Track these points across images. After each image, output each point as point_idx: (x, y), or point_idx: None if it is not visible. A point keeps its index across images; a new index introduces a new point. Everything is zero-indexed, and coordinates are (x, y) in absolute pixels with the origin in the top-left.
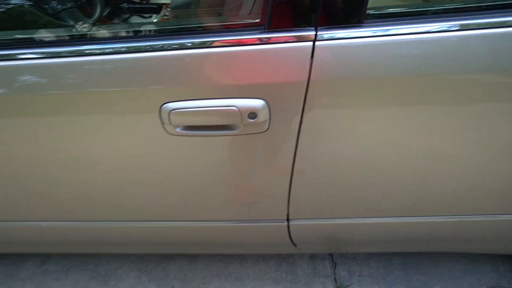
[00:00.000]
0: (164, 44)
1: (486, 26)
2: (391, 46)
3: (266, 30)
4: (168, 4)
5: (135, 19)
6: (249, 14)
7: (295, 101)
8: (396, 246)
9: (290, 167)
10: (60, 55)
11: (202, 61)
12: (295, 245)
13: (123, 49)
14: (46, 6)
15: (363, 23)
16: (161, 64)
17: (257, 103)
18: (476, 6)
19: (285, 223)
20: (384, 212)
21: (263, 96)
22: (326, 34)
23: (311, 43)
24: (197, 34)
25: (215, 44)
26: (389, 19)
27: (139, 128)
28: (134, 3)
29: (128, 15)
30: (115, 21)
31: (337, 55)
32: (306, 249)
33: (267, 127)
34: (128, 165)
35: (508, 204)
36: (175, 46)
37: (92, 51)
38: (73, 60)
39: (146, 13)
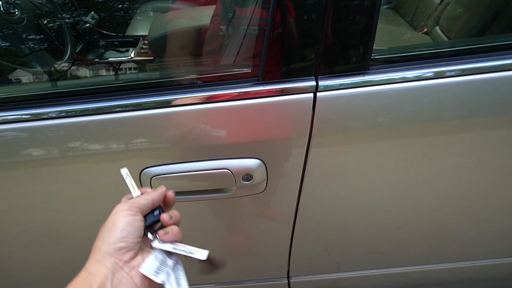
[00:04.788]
0: (141, 103)
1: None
2: (399, 93)
3: (260, 82)
4: (145, 36)
5: (111, 54)
6: (239, 63)
7: (295, 158)
8: None
9: (291, 226)
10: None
11: (187, 119)
12: None
13: (90, 110)
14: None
15: (368, 69)
16: (139, 124)
17: (252, 163)
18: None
19: (286, 281)
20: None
21: (259, 155)
22: (328, 83)
23: (311, 94)
24: (178, 89)
25: (200, 99)
26: (396, 63)
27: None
28: (108, 37)
29: (102, 50)
30: (89, 58)
31: (341, 105)
32: None
33: (264, 187)
34: None
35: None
36: (152, 104)
37: (57, 114)
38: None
39: (122, 47)
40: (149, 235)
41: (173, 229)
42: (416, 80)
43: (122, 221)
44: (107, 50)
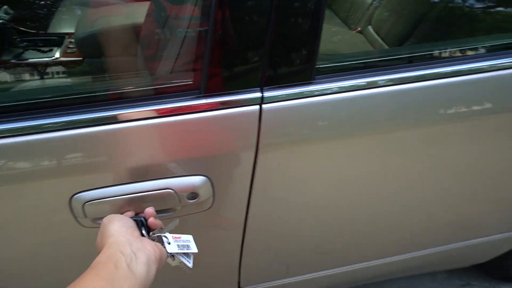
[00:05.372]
0: (68, 121)
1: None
2: (344, 103)
3: (202, 95)
4: (72, 33)
5: (31, 54)
6: (179, 73)
7: (242, 171)
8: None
9: (240, 238)
10: None
11: (122, 137)
12: None
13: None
14: None
15: (314, 79)
16: (66, 145)
17: (197, 180)
18: None
19: None
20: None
21: (204, 172)
22: (273, 94)
23: (257, 106)
24: (111, 104)
25: (138, 115)
26: (342, 73)
27: (49, 224)
28: (28, 34)
29: (21, 50)
30: (4, 58)
31: (287, 116)
32: None
33: (210, 204)
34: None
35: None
36: (83, 121)
37: None
38: None
39: (44, 46)
40: (143, 231)
41: (157, 221)
42: (352, 90)
43: (115, 217)
44: (27, 50)
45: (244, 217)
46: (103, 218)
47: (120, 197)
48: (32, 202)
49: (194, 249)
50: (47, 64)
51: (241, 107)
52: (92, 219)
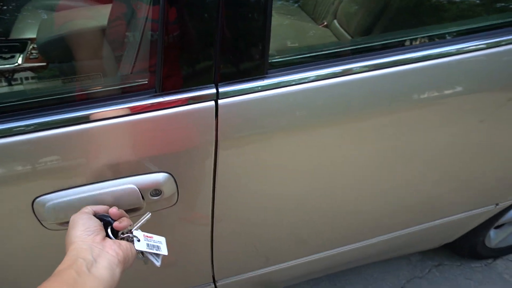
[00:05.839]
0: (28, 125)
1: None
2: (298, 95)
3: (158, 93)
4: (34, 39)
5: None
6: (132, 73)
7: (204, 165)
8: (326, 272)
9: (209, 231)
10: None
11: (82, 138)
12: None
13: None
14: None
15: (266, 74)
16: (24, 149)
17: (159, 177)
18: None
19: (212, 286)
20: (312, 250)
21: (166, 168)
22: (228, 89)
23: (213, 102)
24: (70, 106)
25: (98, 116)
26: (294, 66)
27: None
28: None
29: None
30: None
31: (243, 110)
32: None
33: (175, 200)
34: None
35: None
36: (44, 124)
37: None
38: None
39: (6, 52)
40: (109, 232)
41: (124, 220)
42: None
43: (80, 219)
44: None
45: (210, 211)
46: (67, 221)
47: (81, 196)
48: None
49: (164, 251)
50: (9, 71)
51: (196, 104)
52: (56, 223)
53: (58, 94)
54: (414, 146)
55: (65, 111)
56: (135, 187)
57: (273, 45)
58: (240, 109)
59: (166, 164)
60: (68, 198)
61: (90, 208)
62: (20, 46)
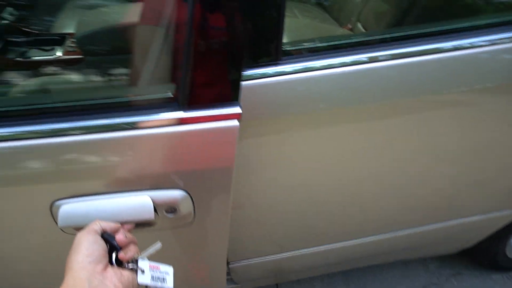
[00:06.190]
0: (53, 129)
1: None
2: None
3: (182, 108)
4: (72, 34)
5: (33, 53)
6: (155, 85)
7: (223, 187)
8: (339, 267)
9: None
10: None
11: (102, 147)
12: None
13: None
14: None
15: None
16: (50, 152)
17: (175, 194)
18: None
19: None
20: (325, 240)
21: (183, 186)
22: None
23: (236, 122)
24: (94, 113)
25: (117, 127)
26: (306, 54)
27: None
28: (30, 34)
29: (25, 49)
30: (9, 56)
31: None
32: (250, 285)
33: (191, 219)
34: None
35: (437, 215)
36: (69, 130)
37: None
38: None
39: (47, 45)
40: (113, 259)
41: (131, 249)
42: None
43: (85, 241)
44: (30, 49)
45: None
46: (80, 227)
47: (94, 203)
48: (16, 206)
49: (170, 284)
50: (49, 62)
51: (220, 122)
52: (70, 227)
53: (84, 100)
54: (439, 141)
55: (88, 117)
56: (149, 198)
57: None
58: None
59: (184, 181)
60: (81, 204)
61: (98, 225)
62: (60, 40)
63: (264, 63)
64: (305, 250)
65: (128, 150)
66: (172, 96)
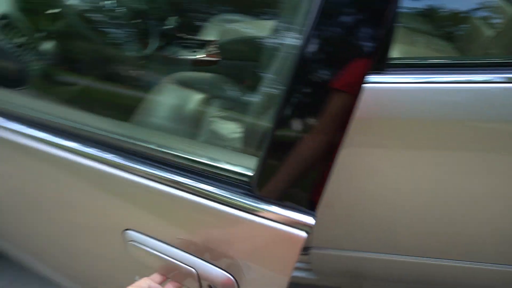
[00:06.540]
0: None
1: None
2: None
3: (253, 195)
4: (214, 41)
5: (181, 53)
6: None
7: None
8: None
9: None
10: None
11: (173, 201)
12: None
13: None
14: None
15: None
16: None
17: (221, 275)
18: None
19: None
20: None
21: (232, 271)
22: None
23: (305, 233)
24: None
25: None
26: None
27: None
28: (183, 39)
29: (177, 49)
30: (166, 53)
31: None
32: (326, 282)
33: None
34: None
35: None
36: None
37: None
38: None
39: (193, 48)
40: None
41: None
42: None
43: None
44: (181, 49)
45: None
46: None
47: (152, 250)
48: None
49: None
50: (193, 60)
51: (287, 226)
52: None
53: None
54: None
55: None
56: (195, 270)
57: None
58: None
59: (235, 267)
60: (145, 244)
61: (147, 286)
62: (203, 44)
63: None
64: (385, 255)
65: (193, 215)
66: (249, 179)
